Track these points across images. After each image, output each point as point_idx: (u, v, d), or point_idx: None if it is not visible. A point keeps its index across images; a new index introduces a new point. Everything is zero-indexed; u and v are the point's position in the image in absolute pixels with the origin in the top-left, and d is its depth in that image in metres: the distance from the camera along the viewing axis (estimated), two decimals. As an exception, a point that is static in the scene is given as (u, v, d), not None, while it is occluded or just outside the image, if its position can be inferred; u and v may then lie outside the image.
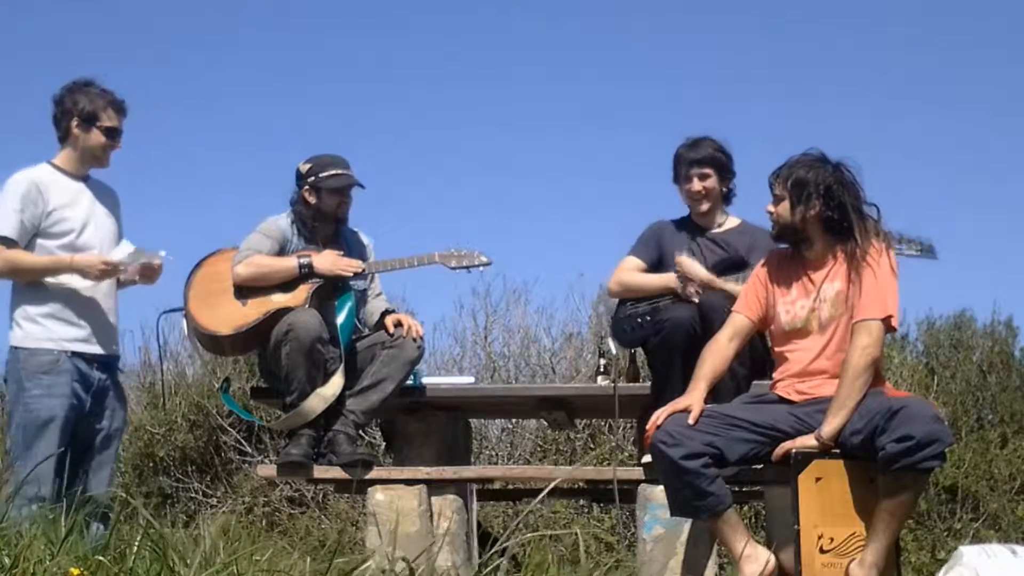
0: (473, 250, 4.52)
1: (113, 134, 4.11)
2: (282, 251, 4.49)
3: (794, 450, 3.54)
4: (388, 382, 4.37)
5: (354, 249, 4.61)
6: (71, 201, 4.05)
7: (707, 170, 4.40)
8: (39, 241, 3.99)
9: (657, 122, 14.14)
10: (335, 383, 4.30)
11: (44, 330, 3.96)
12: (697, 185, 4.40)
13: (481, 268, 4.58)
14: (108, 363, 4.12)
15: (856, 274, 3.63)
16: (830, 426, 3.50)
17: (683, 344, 4.07)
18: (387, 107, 15.19)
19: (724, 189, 4.46)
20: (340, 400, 4.36)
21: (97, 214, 4.11)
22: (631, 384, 4.61)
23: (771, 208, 3.80)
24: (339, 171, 4.47)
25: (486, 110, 15.41)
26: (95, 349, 4.05)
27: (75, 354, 3.98)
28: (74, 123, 4.06)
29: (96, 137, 4.08)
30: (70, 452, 3.97)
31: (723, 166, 4.43)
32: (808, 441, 3.54)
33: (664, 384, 4.14)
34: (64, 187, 4.06)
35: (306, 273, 4.41)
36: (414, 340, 4.42)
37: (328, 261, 4.44)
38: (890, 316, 3.59)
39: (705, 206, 4.43)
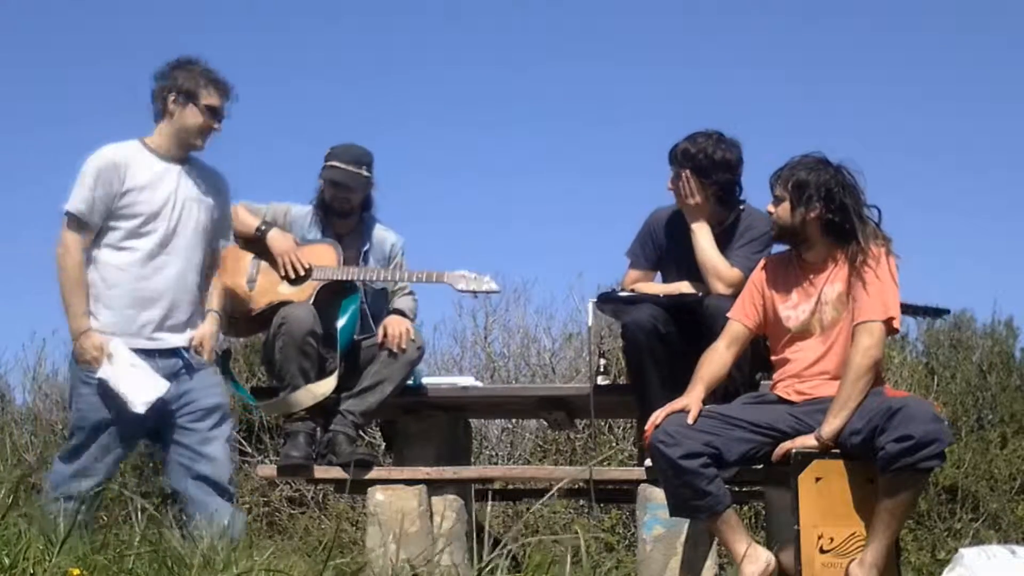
0: (483, 275, 4.50)
1: (213, 113, 3.89)
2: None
3: (794, 450, 3.54)
4: (387, 383, 4.37)
5: (375, 246, 4.58)
6: (151, 183, 3.83)
7: (681, 169, 4.22)
8: (111, 223, 3.80)
9: (658, 121, 14.15)
10: (327, 383, 4.29)
11: (99, 324, 3.78)
12: (670, 184, 4.28)
13: (488, 295, 4.56)
14: (175, 351, 3.88)
15: (857, 276, 3.63)
16: (830, 426, 3.50)
17: (648, 343, 4.06)
18: (387, 107, 15.20)
19: (707, 191, 4.20)
20: (339, 401, 4.36)
21: (183, 199, 3.88)
22: (607, 384, 4.64)
23: (771, 209, 3.80)
24: (338, 164, 4.46)
25: (486, 110, 15.42)
26: (155, 344, 3.84)
27: (135, 349, 3.79)
28: (171, 98, 3.86)
29: (193, 115, 3.87)
30: (153, 445, 3.90)
31: (701, 169, 4.18)
32: (808, 441, 3.54)
33: (641, 385, 4.14)
34: (147, 167, 3.85)
35: (260, 236, 4.41)
36: (413, 341, 4.41)
37: (280, 245, 4.42)
38: (892, 318, 3.59)
39: (679, 202, 4.28)
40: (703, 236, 4.17)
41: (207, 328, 3.97)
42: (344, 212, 4.50)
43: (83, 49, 15.21)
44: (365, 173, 4.48)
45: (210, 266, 4.02)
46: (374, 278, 4.53)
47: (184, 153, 3.94)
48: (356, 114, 14.98)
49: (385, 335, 4.40)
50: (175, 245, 3.87)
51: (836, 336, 3.68)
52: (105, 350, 3.72)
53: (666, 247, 4.39)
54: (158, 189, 3.84)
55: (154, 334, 3.84)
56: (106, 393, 3.72)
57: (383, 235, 4.62)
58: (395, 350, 4.37)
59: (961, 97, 14.25)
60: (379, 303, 4.59)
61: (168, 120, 3.89)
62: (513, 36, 15.70)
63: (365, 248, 4.55)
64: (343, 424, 4.36)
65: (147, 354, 3.79)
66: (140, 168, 3.84)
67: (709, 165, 4.19)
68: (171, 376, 3.81)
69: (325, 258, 4.45)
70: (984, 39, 14.46)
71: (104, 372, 3.71)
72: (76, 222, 3.76)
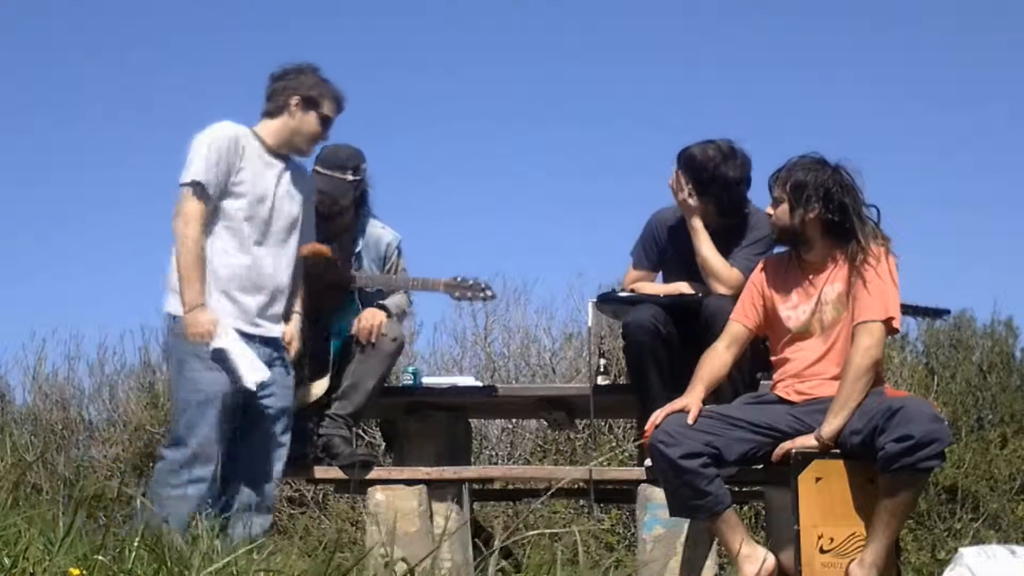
0: (479, 281, 4.49)
1: (327, 124, 3.97)
2: None
3: (794, 450, 3.54)
4: (367, 379, 4.34)
5: (369, 246, 4.54)
6: (259, 168, 3.85)
7: (680, 168, 4.21)
8: (222, 202, 3.77)
9: (659, 121, 14.14)
10: (320, 384, 4.27)
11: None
12: (671, 180, 4.25)
13: (484, 301, 4.57)
14: (273, 340, 3.90)
15: (857, 276, 3.63)
16: (830, 426, 3.50)
17: (649, 344, 4.07)
18: (387, 105, 15.20)
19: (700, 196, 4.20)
20: (329, 404, 4.37)
21: (281, 193, 3.91)
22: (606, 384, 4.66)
23: (770, 211, 3.81)
24: (320, 170, 4.40)
25: (486, 109, 15.42)
26: (257, 330, 3.82)
27: (236, 330, 3.75)
28: (294, 100, 3.90)
29: (312, 122, 3.92)
30: (237, 434, 3.79)
31: (700, 180, 4.16)
32: (808, 441, 3.54)
33: (641, 385, 4.15)
34: (258, 154, 3.87)
35: None
36: (385, 335, 4.38)
37: None
38: (892, 318, 3.59)
39: (675, 199, 4.28)
40: (701, 237, 4.17)
41: (295, 328, 3.99)
42: (333, 215, 4.48)
43: (80, 48, 15.21)
44: (350, 177, 4.39)
45: (298, 265, 4.03)
46: (369, 286, 4.51)
47: (288, 153, 3.98)
48: (356, 113, 14.97)
49: (359, 329, 4.37)
50: (274, 235, 3.88)
51: (836, 336, 3.68)
52: (218, 325, 3.68)
53: (668, 248, 4.39)
54: (263, 176, 3.86)
55: (256, 319, 3.83)
56: (219, 366, 3.67)
57: (378, 233, 4.56)
58: (363, 343, 4.34)
59: (961, 96, 14.26)
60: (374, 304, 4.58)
61: (284, 119, 3.92)
62: (514, 36, 15.70)
63: (357, 249, 4.53)
64: (334, 427, 4.35)
65: (248, 338, 3.77)
66: (252, 151, 3.85)
67: (707, 179, 4.17)
68: (267, 364, 3.79)
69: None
70: (985, 39, 14.47)
71: (222, 343, 3.66)
72: (199, 193, 3.70)
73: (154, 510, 3.34)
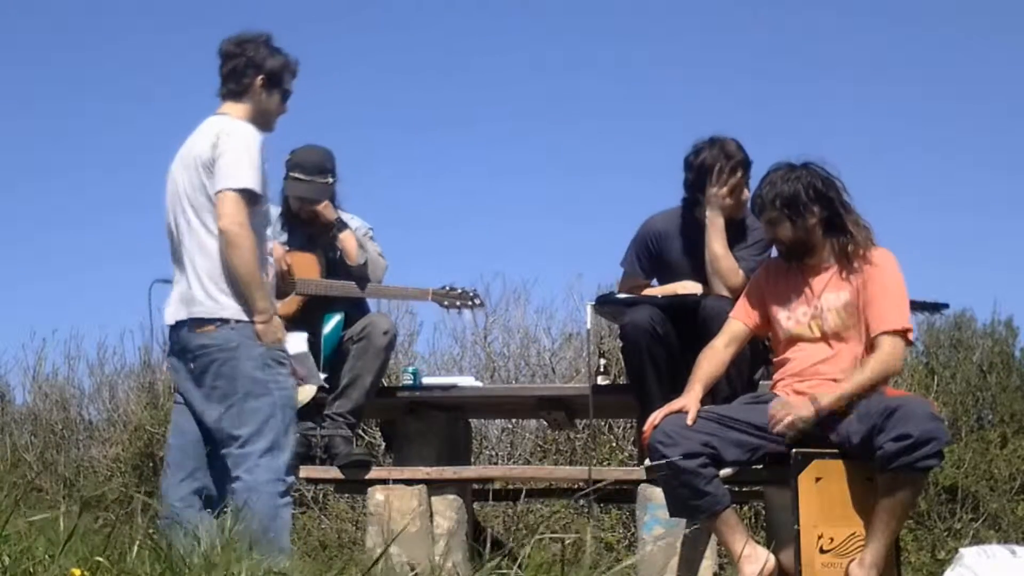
0: (468, 290, 4.52)
1: (287, 99, 3.74)
2: None
3: (793, 450, 3.54)
4: (365, 375, 4.36)
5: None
6: None
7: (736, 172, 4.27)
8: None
9: (657, 121, 14.14)
10: (306, 391, 4.27)
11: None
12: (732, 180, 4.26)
13: (473, 309, 4.61)
14: None
15: (860, 278, 3.64)
16: (829, 399, 3.50)
17: (646, 344, 4.09)
18: (386, 105, 15.20)
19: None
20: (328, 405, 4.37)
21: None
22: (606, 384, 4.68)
23: (771, 235, 3.79)
24: (300, 176, 4.43)
25: (486, 109, 15.41)
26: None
27: None
28: (259, 81, 3.65)
29: (276, 101, 3.70)
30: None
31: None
32: (804, 411, 3.51)
33: (639, 386, 4.16)
34: None
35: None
36: (386, 333, 4.40)
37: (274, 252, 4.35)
38: (908, 329, 3.61)
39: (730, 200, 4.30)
40: (719, 235, 4.16)
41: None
42: (313, 218, 4.50)
43: (78, 48, 15.22)
44: (329, 180, 4.46)
45: None
46: (357, 295, 4.53)
47: None
48: (355, 112, 14.99)
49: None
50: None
51: (842, 342, 3.67)
52: (281, 336, 3.57)
53: (662, 255, 4.39)
54: None
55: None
56: (291, 372, 3.60)
57: (353, 224, 4.59)
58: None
59: (962, 96, 14.24)
60: (362, 304, 4.60)
61: (251, 103, 3.68)
62: (514, 34, 15.71)
63: (337, 255, 4.53)
64: (335, 426, 4.37)
65: None
66: None
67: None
68: None
69: (309, 270, 4.46)
70: (986, 38, 14.47)
71: (299, 347, 3.65)
72: (252, 199, 3.51)
73: (264, 531, 3.14)
